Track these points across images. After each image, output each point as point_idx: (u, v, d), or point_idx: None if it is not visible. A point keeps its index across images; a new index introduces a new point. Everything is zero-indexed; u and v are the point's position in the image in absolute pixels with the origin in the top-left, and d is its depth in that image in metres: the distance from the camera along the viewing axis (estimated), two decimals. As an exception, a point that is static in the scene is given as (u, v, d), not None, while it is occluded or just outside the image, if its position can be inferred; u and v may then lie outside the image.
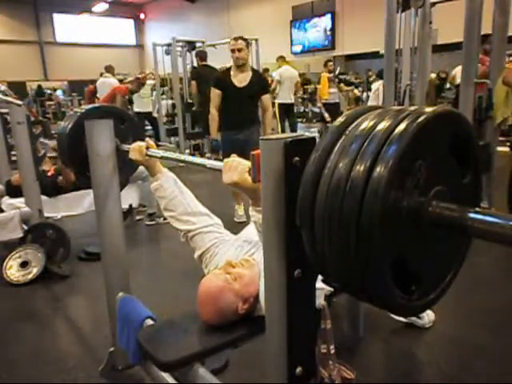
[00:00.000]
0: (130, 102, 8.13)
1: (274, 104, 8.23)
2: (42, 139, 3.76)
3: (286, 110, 7.80)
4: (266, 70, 8.95)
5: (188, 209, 1.62)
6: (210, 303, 1.35)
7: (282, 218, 0.79)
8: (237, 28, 14.40)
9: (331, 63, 8.40)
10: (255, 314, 1.40)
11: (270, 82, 9.01)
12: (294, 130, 8.09)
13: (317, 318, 0.85)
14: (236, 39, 3.57)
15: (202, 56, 6.89)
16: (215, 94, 3.64)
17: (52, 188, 3.40)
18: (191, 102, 7.49)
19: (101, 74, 8.00)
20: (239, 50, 3.50)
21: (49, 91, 16.62)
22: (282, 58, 8.17)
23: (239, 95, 3.54)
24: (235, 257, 1.52)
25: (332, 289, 0.80)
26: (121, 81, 7.94)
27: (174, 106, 7.80)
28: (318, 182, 0.67)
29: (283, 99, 7.65)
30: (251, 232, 1.57)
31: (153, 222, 4.05)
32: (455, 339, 2.13)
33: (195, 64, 7.50)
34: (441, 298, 0.77)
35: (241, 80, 3.55)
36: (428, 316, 2.16)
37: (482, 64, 4.07)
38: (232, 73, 3.58)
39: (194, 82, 6.74)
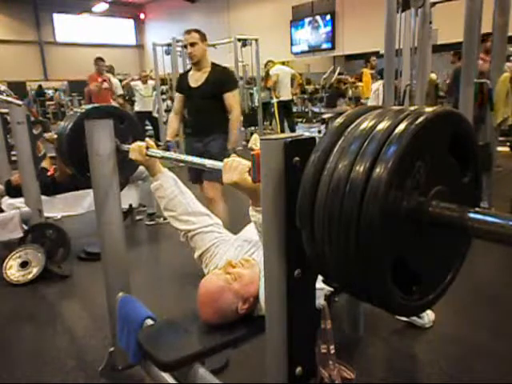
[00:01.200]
0: (131, 100, 8.13)
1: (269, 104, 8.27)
2: (43, 138, 3.75)
3: (285, 109, 7.83)
4: (267, 75, 8.98)
5: (188, 209, 1.62)
6: (210, 303, 1.36)
7: (282, 218, 0.79)
8: (237, 28, 14.41)
9: (374, 58, 7.68)
10: (255, 313, 1.40)
11: (272, 82, 9.05)
12: (292, 130, 8.08)
13: (317, 318, 0.85)
14: (189, 32, 3.07)
15: None
16: (175, 97, 3.31)
17: (51, 185, 3.40)
18: None
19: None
20: (192, 45, 3.00)
21: (51, 91, 16.64)
22: (271, 62, 8.26)
23: (194, 96, 3.08)
24: (235, 257, 1.52)
25: (332, 289, 0.80)
26: (121, 81, 7.94)
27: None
28: (318, 183, 0.67)
29: (282, 97, 7.70)
30: (251, 232, 1.57)
31: (153, 222, 4.06)
32: (455, 339, 2.13)
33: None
34: (441, 297, 0.77)
35: (197, 79, 3.07)
36: (428, 316, 2.16)
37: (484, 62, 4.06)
38: (190, 72, 3.15)
39: None
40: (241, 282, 1.37)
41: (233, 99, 3.02)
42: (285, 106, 7.87)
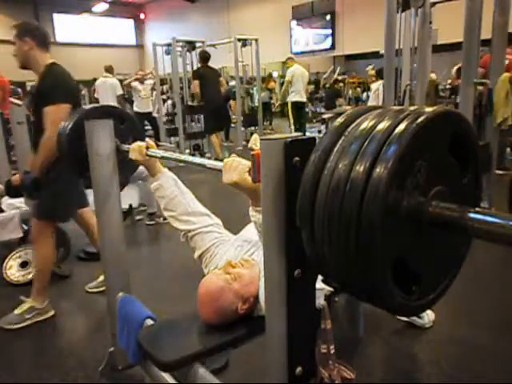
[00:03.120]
0: (130, 101, 8.14)
1: (286, 104, 8.04)
2: None
3: (298, 110, 7.67)
4: (270, 76, 8.93)
5: (188, 209, 1.62)
6: (210, 303, 1.35)
7: (282, 218, 0.79)
8: (237, 28, 14.42)
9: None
10: (255, 314, 1.40)
11: (273, 84, 8.98)
12: (302, 130, 7.91)
13: (317, 318, 0.85)
14: (13, 27, 2.36)
15: (203, 58, 6.91)
16: None
17: None
18: (192, 104, 7.53)
19: (94, 80, 7.99)
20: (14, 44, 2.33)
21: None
22: (290, 59, 8.04)
23: None
24: (235, 257, 1.52)
25: (332, 289, 0.80)
26: (121, 81, 7.95)
27: (174, 105, 7.84)
28: (318, 182, 0.67)
29: (297, 97, 7.47)
30: (251, 232, 1.57)
31: (153, 222, 4.06)
32: (455, 339, 2.13)
33: (195, 64, 7.53)
34: (441, 297, 0.77)
35: None
36: (428, 316, 2.16)
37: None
38: None
39: (196, 82, 6.76)
40: (241, 282, 1.37)
41: (47, 117, 2.20)
42: (299, 108, 7.58)
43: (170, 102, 8.27)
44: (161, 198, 1.64)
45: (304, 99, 7.75)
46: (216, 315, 1.36)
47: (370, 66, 8.51)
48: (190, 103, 7.71)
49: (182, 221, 1.62)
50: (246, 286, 1.36)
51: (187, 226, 1.62)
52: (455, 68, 6.76)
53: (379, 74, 6.52)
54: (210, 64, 6.97)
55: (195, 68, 7.48)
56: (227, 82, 9.90)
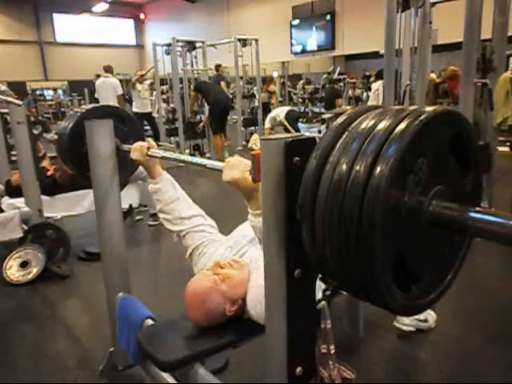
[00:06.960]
0: (130, 101, 8.13)
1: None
2: (44, 139, 3.71)
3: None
4: (271, 79, 9.07)
5: (182, 214, 1.61)
6: (197, 304, 1.34)
7: (282, 218, 0.79)
8: (237, 28, 14.42)
9: None
10: (245, 316, 1.38)
11: (273, 87, 9.05)
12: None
13: (317, 318, 0.85)
14: None
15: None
16: None
17: (51, 185, 3.40)
18: (193, 121, 7.62)
19: (97, 76, 7.98)
20: None
21: (51, 92, 16.56)
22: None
23: None
24: (223, 257, 1.50)
25: (332, 289, 0.80)
26: (121, 81, 7.94)
27: (173, 111, 7.88)
28: (319, 181, 0.67)
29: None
30: (244, 230, 1.56)
31: (156, 222, 4.04)
32: (456, 339, 2.12)
33: (195, 65, 7.55)
34: (441, 297, 0.76)
35: None
36: (432, 317, 2.16)
37: None
38: None
39: (193, 94, 6.87)
40: (229, 284, 1.34)
41: None
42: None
43: (170, 106, 8.24)
44: (158, 201, 1.63)
45: None
46: (204, 316, 1.34)
47: None
48: (191, 120, 7.72)
49: (175, 224, 1.62)
50: (234, 288, 1.34)
51: (179, 227, 1.61)
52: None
53: (379, 75, 6.54)
54: (211, 63, 7.00)
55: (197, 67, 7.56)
56: (227, 86, 9.93)
